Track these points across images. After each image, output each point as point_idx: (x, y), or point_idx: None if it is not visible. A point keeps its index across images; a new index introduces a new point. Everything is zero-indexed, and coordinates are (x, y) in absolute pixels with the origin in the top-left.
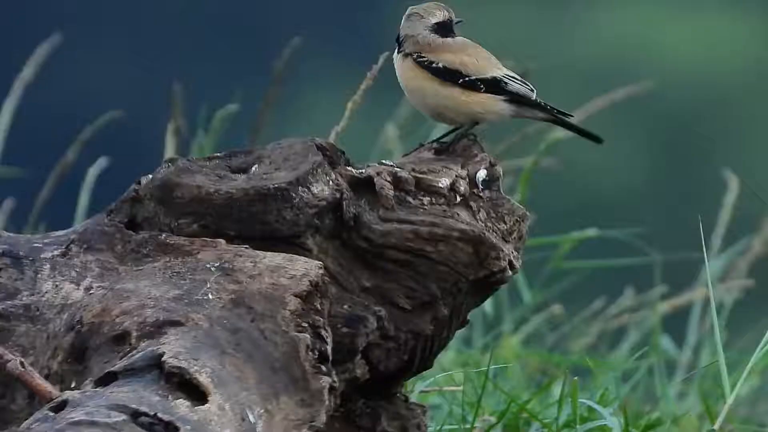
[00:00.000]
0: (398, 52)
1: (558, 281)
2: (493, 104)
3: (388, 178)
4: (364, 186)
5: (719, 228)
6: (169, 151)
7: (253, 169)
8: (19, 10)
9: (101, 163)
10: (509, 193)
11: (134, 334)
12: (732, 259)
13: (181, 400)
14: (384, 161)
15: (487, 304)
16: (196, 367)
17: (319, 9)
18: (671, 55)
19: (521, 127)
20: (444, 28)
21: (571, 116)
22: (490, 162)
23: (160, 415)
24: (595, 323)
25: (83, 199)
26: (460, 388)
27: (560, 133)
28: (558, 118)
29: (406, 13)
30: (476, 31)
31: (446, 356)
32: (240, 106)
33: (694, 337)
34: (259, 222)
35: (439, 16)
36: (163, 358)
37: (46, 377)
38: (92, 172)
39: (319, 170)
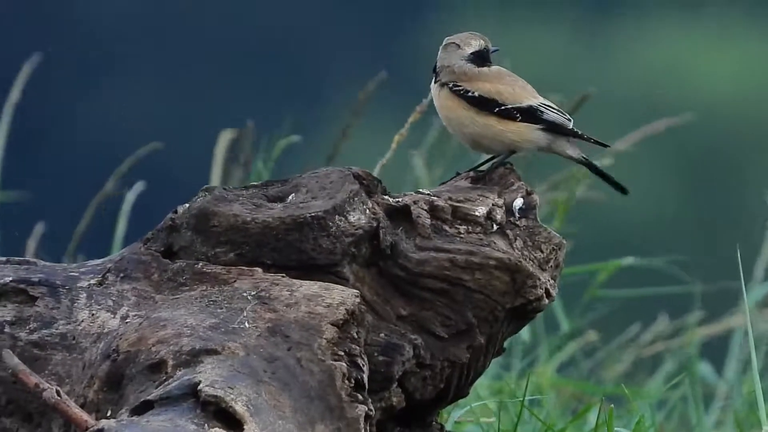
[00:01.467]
0: (435, 82)
1: (594, 309)
2: (529, 133)
3: (425, 207)
4: (400, 214)
5: (763, 255)
6: (216, 182)
7: (290, 197)
8: (62, 45)
9: (138, 188)
10: (546, 222)
11: (170, 362)
12: None
13: (217, 429)
14: (421, 190)
15: (524, 331)
16: (232, 396)
17: (360, 41)
18: (707, 83)
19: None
20: (480, 57)
21: (608, 145)
22: (526, 190)
23: None
24: (630, 351)
25: (121, 227)
26: (492, 419)
27: (596, 161)
28: (587, 162)
29: (443, 43)
30: (512, 60)
31: (481, 383)
32: (294, 137)
33: (731, 365)
34: (296, 251)
35: (475, 45)
36: (199, 387)
37: (82, 406)
38: (130, 199)
39: (355, 199)
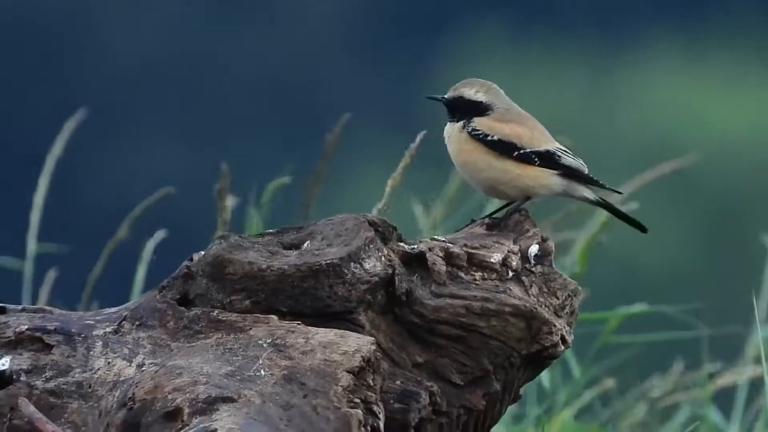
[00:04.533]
0: (451, 120)
1: (608, 356)
2: (546, 178)
3: (441, 254)
4: (416, 261)
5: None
6: (219, 227)
7: (305, 245)
8: (69, 93)
9: (159, 236)
10: (560, 268)
11: (186, 410)
12: None
13: None
14: (436, 237)
15: (541, 378)
16: None
17: (364, 84)
18: (720, 129)
19: (571, 203)
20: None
21: (620, 192)
22: (542, 237)
23: None
24: (646, 399)
25: (139, 275)
26: None
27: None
28: (605, 203)
29: (483, 84)
30: (522, 105)
31: (498, 430)
32: (291, 180)
33: (744, 412)
34: (312, 298)
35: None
36: None
37: None
38: (149, 246)
39: (371, 246)
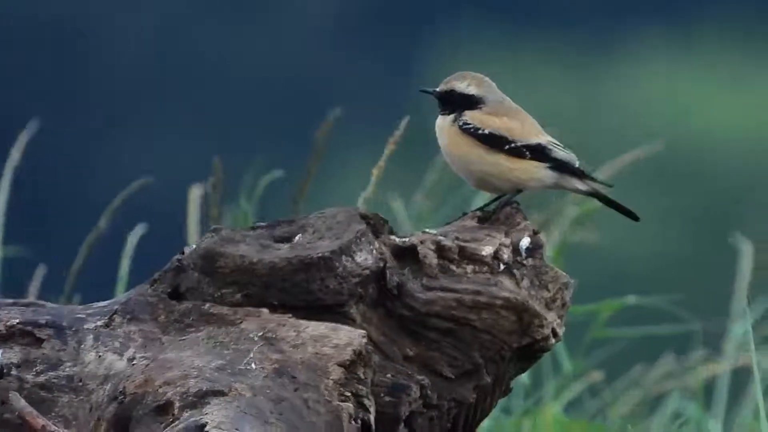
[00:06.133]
0: (442, 113)
1: (598, 349)
2: (537, 171)
3: (432, 247)
4: (407, 254)
5: (741, 293)
6: (212, 221)
7: (297, 238)
8: (55, 87)
9: (139, 230)
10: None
11: (177, 404)
12: None
13: None
14: (427, 229)
15: (528, 372)
16: None
17: (355, 79)
18: (707, 124)
19: (557, 198)
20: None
21: (611, 186)
22: (533, 230)
23: None
24: (635, 390)
25: (124, 269)
26: None
27: (592, 204)
28: (597, 193)
29: (475, 77)
30: (513, 99)
31: (486, 424)
32: (283, 174)
33: (726, 401)
34: (303, 291)
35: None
36: (206, 429)
37: None
38: (131, 240)
39: (362, 239)
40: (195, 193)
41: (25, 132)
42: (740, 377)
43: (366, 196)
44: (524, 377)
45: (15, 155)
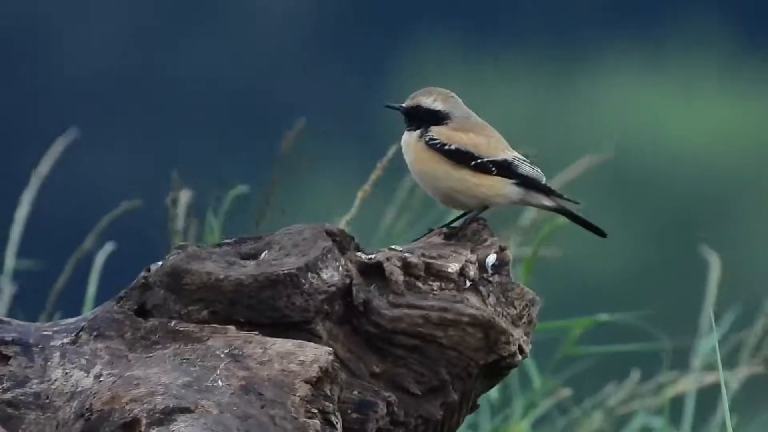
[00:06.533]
0: (409, 129)
1: (565, 366)
2: (503, 187)
3: (398, 264)
4: (373, 271)
5: (707, 309)
6: (172, 237)
7: (263, 255)
8: (33, 107)
9: (108, 248)
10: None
11: (144, 421)
12: (741, 339)
13: None
14: (393, 246)
15: (495, 389)
16: None
17: (321, 92)
18: (673, 138)
19: (523, 215)
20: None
21: (578, 203)
22: (499, 246)
23: None
24: (602, 408)
25: (92, 287)
26: None
27: (560, 219)
28: (563, 209)
29: (441, 92)
30: (478, 114)
31: None
32: (248, 188)
33: (692, 418)
34: (269, 308)
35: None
36: None
37: None
38: (100, 260)
39: (328, 256)
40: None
41: None
42: (708, 394)
43: (350, 218)
44: (492, 393)
45: None
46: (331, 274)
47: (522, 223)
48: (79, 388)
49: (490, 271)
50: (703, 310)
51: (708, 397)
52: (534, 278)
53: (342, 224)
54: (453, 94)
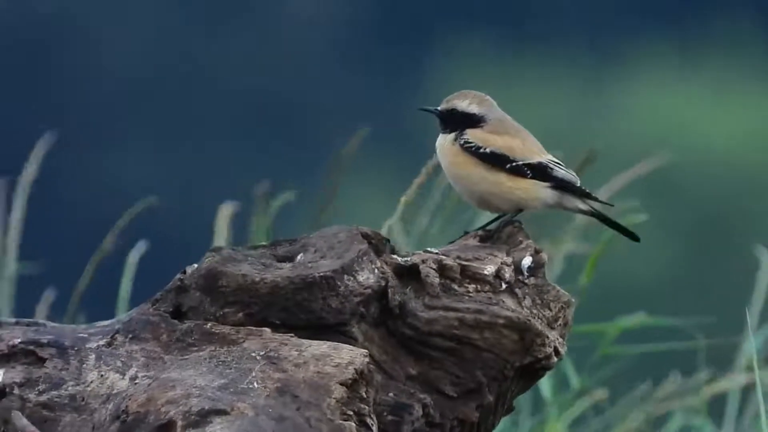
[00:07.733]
0: (444, 132)
1: (603, 367)
2: (538, 191)
3: (434, 266)
4: (409, 274)
5: (755, 306)
6: (221, 240)
7: (299, 257)
8: (57, 106)
9: (140, 247)
10: (559, 281)
11: (180, 423)
12: None
13: None
14: (429, 249)
15: (539, 388)
16: None
17: (356, 96)
18: (710, 139)
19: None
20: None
21: (612, 205)
22: (535, 249)
23: None
24: (640, 408)
25: (124, 288)
26: None
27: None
28: (598, 213)
29: (476, 95)
30: (514, 117)
31: None
32: (294, 194)
33: (734, 420)
34: (305, 310)
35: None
36: None
37: None
38: (132, 259)
39: (364, 258)
40: (224, 213)
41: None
42: (748, 395)
43: (391, 224)
44: (535, 394)
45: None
46: (366, 277)
47: (579, 223)
48: (115, 390)
49: (525, 274)
50: (751, 306)
51: (749, 398)
52: (574, 277)
53: (384, 229)
54: (488, 97)
